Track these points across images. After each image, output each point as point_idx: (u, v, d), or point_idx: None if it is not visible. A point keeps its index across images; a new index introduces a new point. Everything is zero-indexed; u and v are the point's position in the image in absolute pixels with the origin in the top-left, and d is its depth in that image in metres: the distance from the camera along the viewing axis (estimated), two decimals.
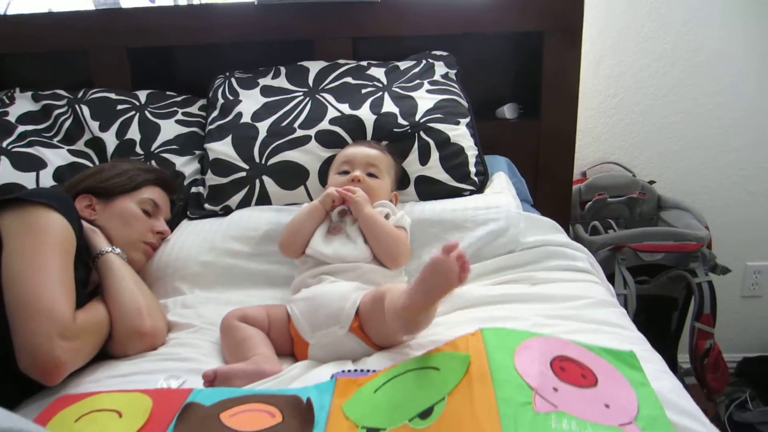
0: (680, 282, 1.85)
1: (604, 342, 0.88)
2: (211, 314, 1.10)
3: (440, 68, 1.58)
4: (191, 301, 1.16)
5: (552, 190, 1.79)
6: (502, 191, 1.33)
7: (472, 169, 1.38)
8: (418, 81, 1.51)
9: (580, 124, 1.80)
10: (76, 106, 1.58)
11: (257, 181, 1.37)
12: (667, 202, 2.04)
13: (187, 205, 1.42)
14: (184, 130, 1.57)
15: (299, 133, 1.40)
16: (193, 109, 1.64)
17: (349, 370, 0.86)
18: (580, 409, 0.68)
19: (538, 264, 1.17)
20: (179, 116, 1.60)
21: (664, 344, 1.96)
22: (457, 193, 1.36)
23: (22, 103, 1.62)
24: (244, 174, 1.38)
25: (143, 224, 1.23)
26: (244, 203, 1.37)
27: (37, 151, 1.47)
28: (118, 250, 1.12)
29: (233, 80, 1.60)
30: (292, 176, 1.37)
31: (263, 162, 1.38)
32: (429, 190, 1.36)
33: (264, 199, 1.36)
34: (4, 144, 1.47)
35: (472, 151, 1.41)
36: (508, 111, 1.76)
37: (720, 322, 1.83)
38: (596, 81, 2.01)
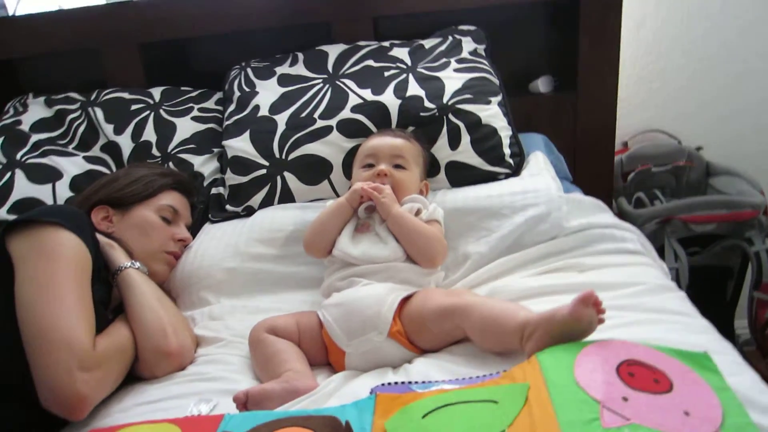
0: (735, 251, 1.72)
1: (669, 334, 0.79)
2: (240, 325, 1.04)
3: (468, 44, 1.47)
4: (218, 311, 1.11)
5: (593, 165, 1.67)
6: (540, 173, 1.23)
7: (507, 151, 1.28)
8: (444, 60, 1.40)
9: (619, 92, 1.68)
10: (90, 110, 1.53)
11: (278, 178, 1.29)
12: (716, 169, 1.90)
13: (207, 207, 1.35)
14: (201, 127, 1.50)
15: (320, 123, 1.31)
16: (210, 103, 1.57)
17: (389, 383, 0.79)
18: (657, 420, 0.60)
19: (585, 249, 1.08)
20: (195, 112, 1.53)
21: (720, 314, 1.84)
22: (491, 177, 1.26)
23: (35, 110, 1.58)
24: (264, 171, 1.31)
25: (163, 233, 1.18)
26: (266, 202, 1.29)
27: (52, 161, 1.42)
28: (138, 265, 1.07)
29: (249, 70, 1.53)
30: (314, 170, 1.29)
31: (284, 157, 1.31)
32: (461, 176, 1.26)
33: (287, 197, 1.29)
34: (19, 156, 1.43)
35: (505, 132, 1.30)
36: (542, 84, 1.64)
37: None
38: (637, 46, 1.86)
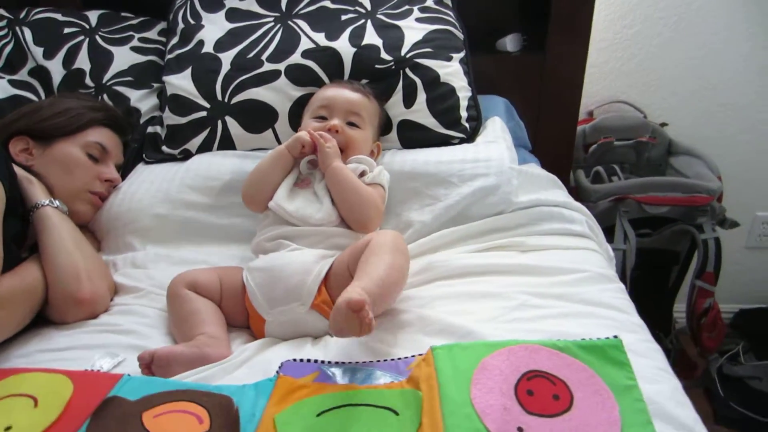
0: (685, 236, 1.73)
1: (597, 329, 0.76)
2: (162, 275, 0.98)
3: None
4: (142, 259, 1.04)
5: (554, 134, 1.63)
6: (496, 140, 1.17)
7: (463, 114, 1.22)
8: (407, 7, 1.31)
9: (589, 58, 1.61)
10: (17, 29, 1.39)
11: (219, 122, 1.20)
12: (678, 148, 1.88)
13: (142, 147, 1.26)
14: (141, 58, 1.38)
15: (267, 67, 1.22)
16: (152, 33, 1.45)
17: (300, 360, 0.74)
18: None
19: (531, 227, 1.04)
20: (135, 42, 1.41)
21: (661, 299, 1.87)
22: (445, 141, 1.20)
23: None
24: (204, 114, 1.22)
25: (88, 171, 1.09)
26: (204, 147, 1.21)
27: None
28: (57, 203, 0.99)
29: (196, 0, 1.40)
30: (258, 117, 1.20)
31: (226, 100, 1.21)
32: (413, 136, 1.20)
33: (227, 143, 1.20)
34: None
35: (464, 93, 1.23)
36: (510, 43, 1.56)
37: (721, 272, 1.73)
38: (611, 9, 1.79)
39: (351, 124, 1.07)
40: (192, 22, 1.35)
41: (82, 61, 1.34)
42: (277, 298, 0.86)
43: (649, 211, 1.69)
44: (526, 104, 1.56)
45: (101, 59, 1.35)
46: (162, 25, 1.45)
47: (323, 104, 1.09)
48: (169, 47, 1.35)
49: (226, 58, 1.24)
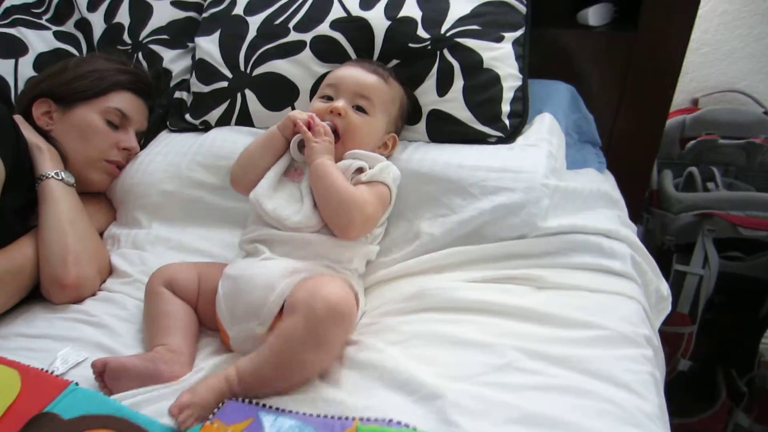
0: None
1: (587, 420, 0.61)
2: (155, 261, 0.95)
3: None
4: (142, 239, 1.01)
5: (637, 127, 1.38)
6: (537, 144, 0.99)
7: (505, 108, 1.04)
8: None
9: (704, 35, 1.32)
10: None
11: (239, 95, 1.12)
12: None
13: (168, 112, 1.21)
14: (180, 14, 1.32)
15: (293, 36, 1.10)
16: None
17: (239, 400, 0.67)
18: None
19: (556, 258, 0.88)
20: None
21: (747, 331, 1.60)
22: (479, 138, 1.03)
23: None
24: (225, 84, 1.13)
25: (105, 139, 1.06)
26: (223, 120, 1.13)
27: (20, 32, 1.30)
28: (62, 175, 0.97)
29: None
30: (278, 93, 1.10)
31: (248, 71, 1.12)
32: (443, 130, 1.04)
33: (245, 119, 1.12)
34: None
35: (510, 82, 1.05)
36: (593, 15, 1.31)
37: None
38: None
39: (358, 108, 0.94)
40: None
41: (123, 15, 1.30)
42: (238, 314, 0.78)
43: (744, 233, 1.41)
44: (605, 90, 1.33)
45: (141, 13, 1.30)
46: None
47: (331, 82, 0.97)
48: (207, 3, 1.27)
49: (254, 22, 1.14)
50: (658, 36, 1.27)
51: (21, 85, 1.21)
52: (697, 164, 1.60)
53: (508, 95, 1.04)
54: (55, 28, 1.34)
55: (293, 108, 1.09)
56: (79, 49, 1.32)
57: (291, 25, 1.11)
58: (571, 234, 0.90)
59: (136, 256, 0.98)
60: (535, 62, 1.13)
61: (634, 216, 1.30)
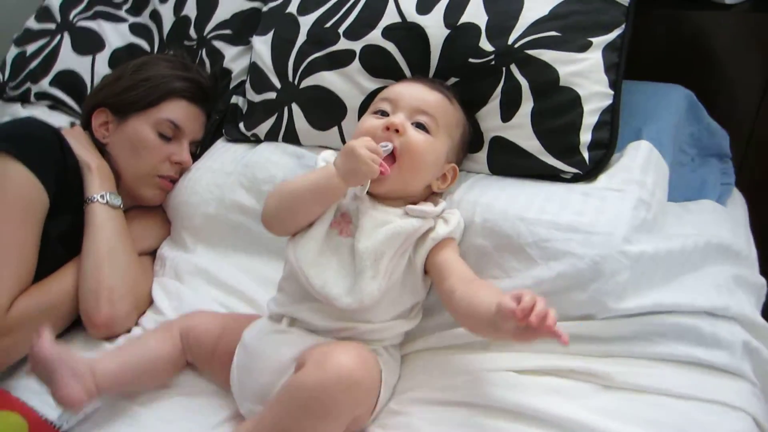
0: None
1: None
2: (190, 298, 0.94)
3: None
4: (184, 267, 0.99)
5: None
6: (624, 189, 0.80)
7: (585, 138, 0.84)
8: None
9: None
10: None
11: (286, 110, 1.04)
12: None
13: (224, 119, 1.16)
14: (245, 5, 1.23)
15: (342, 44, 0.98)
16: None
17: None
18: None
19: (633, 345, 0.73)
20: None
21: None
22: (550, 173, 0.86)
23: None
24: (274, 96, 1.05)
25: (157, 153, 1.04)
26: (271, 134, 1.06)
27: (99, 26, 1.31)
28: (108, 198, 0.97)
29: None
30: (325, 110, 1.00)
31: (296, 82, 1.03)
32: (507, 162, 0.88)
33: (291, 136, 1.04)
34: (72, 15, 1.34)
35: (595, 102, 0.84)
36: None
37: None
38: None
39: (419, 125, 0.80)
40: None
41: (190, 7, 1.25)
42: (246, 394, 0.75)
43: None
44: (744, 84, 1.05)
45: (207, 5, 1.24)
46: None
47: (388, 96, 0.83)
48: None
49: (306, 23, 1.03)
50: None
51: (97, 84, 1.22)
52: None
53: (590, 120, 0.84)
54: (132, 19, 1.33)
55: (340, 128, 0.99)
56: (152, 44, 1.30)
57: (342, 29, 0.98)
58: (655, 316, 0.73)
59: (174, 288, 0.97)
60: (646, 57, 0.90)
61: None
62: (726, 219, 0.93)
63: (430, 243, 0.76)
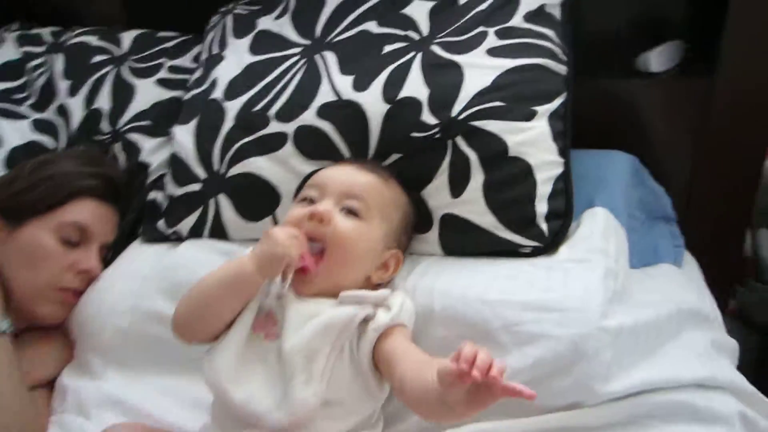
0: None
1: None
2: None
3: None
4: (90, 396, 0.81)
5: (722, 190, 1.09)
6: (589, 259, 0.74)
7: (541, 208, 0.79)
8: (480, 29, 0.89)
9: None
10: (53, 57, 1.25)
11: (212, 202, 0.93)
12: None
13: (140, 217, 1.03)
14: (165, 94, 1.15)
15: (273, 127, 0.91)
16: (185, 60, 1.21)
17: None
18: None
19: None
20: (163, 73, 1.18)
21: None
22: (508, 249, 0.80)
23: (6, 49, 1.33)
24: (198, 187, 0.95)
25: (57, 262, 0.89)
26: (196, 231, 0.95)
27: None
28: None
29: (229, 20, 1.12)
30: (256, 199, 0.90)
31: (222, 171, 0.93)
32: (460, 240, 0.81)
33: (219, 231, 0.93)
34: None
35: (547, 171, 0.81)
36: (656, 59, 1.04)
37: None
38: None
39: (349, 211, 0.72)
40: (215, 51, 1.08)
41: (103, 99, 1.15)
42: None
43: None
44: (677, 149, 1.06)
45: (123, 95, 1.15)
46: (200, 48, 1.20)
47: (316, 182, 0.76)
48: (191, 82, 1.10)
49: (233, 108, 0.96)
50: (746, 76, 0.99)
51: None
52: None
53: (544, 190, 0.80)
54: (35, 115, 1.21)
55: (275, 217, 0.89)
56: (57, 140, 1.18)
57: (272, 112, 0.91)
58: (646, 395, 0.65)
59: (77, 426, 0.79)
60: (583, 126, 0.89)
61: (722, 293, 1.03)
62: (688, 282, 0.90)
63: (373, 335, 0.66)
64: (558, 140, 0.82)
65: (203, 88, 1.04)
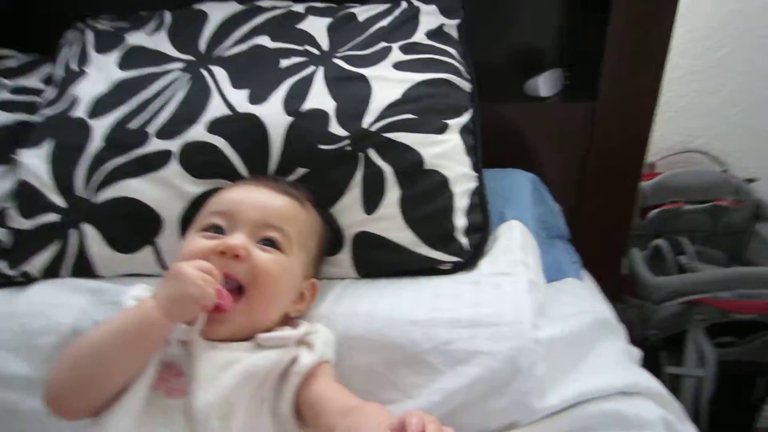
0: None
1: None
2: None
3: (430, 17, 0.91)
4: None
5: (606, 210, 1.15)
6: (511, 272, 0.71)
7: (460, 222, 0.76)
8: (382, 45, 0.85)
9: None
10: None
11: (74, 233, 0.77)
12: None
13: None
14: (7, 118, 0.96)
15: (154, 145, 0.78)
16: (33, 79, 1.03)
17: None
18: None
19: None
20: (5, 94, 1.00)
21: (741, 416, 1.38)
22: (428, 266, 0.74)
23: None
24: (56, 217, 0.79)
25: None
26: (52, 270, 0.77)
27: None
28: None
29: (90, 34, 0.98)
30: (132, 226, 0.76)
31: (88, 197, 0.78)
32: (377, 260, 0.75)
33: (83, 267, 0.77)
34: None
35: (464, 184, 0.78)
36: (544, 84, 1.09)
37: None
38: (691, 27, 1.31)
39: (267, 242, 0.63)
40: (74, 68, 0.93)
41: None
42: None
43: (734, 316, 1.21)
44: (566, 171, 1.10)
45: None
46: (50, 67, 1.03)
47: (223, 209, 0.65)
48: (43, 104, 0.93)
49: (101, 126, 0.81)
50: (622, 103, 1.06)
51: None
52: (659, 234, 1.42)
53: (461, 203, 0.76)
54: None
55: (156, 247, 0.75)
56: None
57: (152, 128, 0.79)
58: (581, 406, 0.62)
59: None
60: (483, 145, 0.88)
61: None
62: (593, 294, 0.91)
63: (296, 380, 0.58)
64: (471, 154, 0.80)
65: (60, 107, 0.88)
